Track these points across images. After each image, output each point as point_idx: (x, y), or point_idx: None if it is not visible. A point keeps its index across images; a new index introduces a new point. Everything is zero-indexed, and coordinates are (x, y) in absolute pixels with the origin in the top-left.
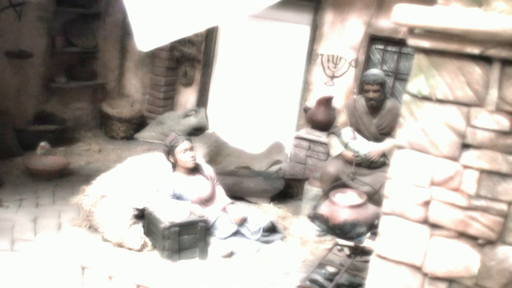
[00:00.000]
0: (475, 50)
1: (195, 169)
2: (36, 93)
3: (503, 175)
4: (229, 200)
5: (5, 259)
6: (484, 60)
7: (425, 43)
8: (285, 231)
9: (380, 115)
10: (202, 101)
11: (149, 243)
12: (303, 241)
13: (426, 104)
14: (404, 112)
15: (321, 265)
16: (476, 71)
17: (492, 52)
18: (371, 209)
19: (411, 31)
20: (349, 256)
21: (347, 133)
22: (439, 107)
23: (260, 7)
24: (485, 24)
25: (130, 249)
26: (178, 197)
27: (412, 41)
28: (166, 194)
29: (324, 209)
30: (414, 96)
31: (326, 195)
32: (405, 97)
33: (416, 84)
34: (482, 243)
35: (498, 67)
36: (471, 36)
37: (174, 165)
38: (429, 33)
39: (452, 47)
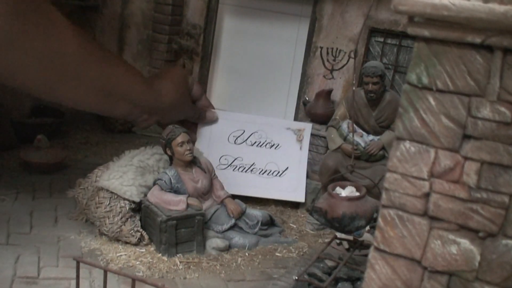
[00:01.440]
0: (477, 39)
1: (192, 162)
2: None
3: (504, 167)
4: (227, 193)
5: (0, 252)
6: (485, 49)
7: (425, 32)
8: (284, 224)
9: (380, 108)
10: None
11: (146, 236)
12: (301, 235)
13: (426, 94)
14: (403, 102)
15: (320, 258)
16: (477, 60)
17: (493, 40)
18: (370, 202)
19: (411, 19)
20: (348, 249)
21: (346, 126)
22: (439, 97)
23: None
24: (486, 12)
25: (126, 242)
26: (176, 190)
27: (412, 30)
28: (163, 187)
29: (322, 202)
30: (414, 85)
31: (325, 188)
32: (405, 87)
33: (416, 73)
34: (483, 236)
35: (499, 56)
36: (472, 24)
37: (172, 158)
38: (430, 22)
39: (453, 35)
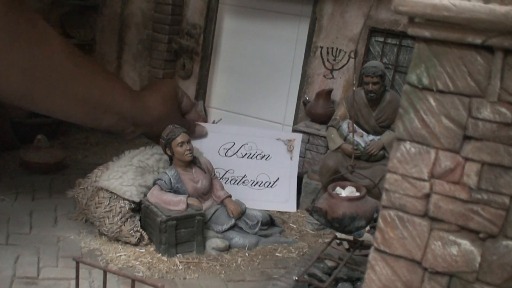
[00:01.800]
0: (477, 40)
1: (192, 162)
2: None
3: (505, 168)
4: (227, 193)
5: (0, 252)
6: (486, 49)
7: (426, 33)
8: (284, 224)
9: (380, 108)
10: (200, 93)
11: (146, 236)
12: (301, 235)
13: (427, 94)
14: (404, 103)
15: (320, 259)
16: (477, 61)
17: (494, 41)
18: (370, 202)
19: (412, 20)
20: (348, 250)
21: (346, 126)
22: (439, 98)
23: None
24: (487, 13)
25: (126, 242)
26: (176, 190)
27: (412, 30)
28: (163, 187)
29: (322, 202)
30: (415, 86)
31: (325, 188)
32: (405, 88)
33: (416, 74)
34: (483, 237)
35: (500, 57)
36: (473, 25)
37: (172, 158)
38: (430, 22)
39: (453, 36)
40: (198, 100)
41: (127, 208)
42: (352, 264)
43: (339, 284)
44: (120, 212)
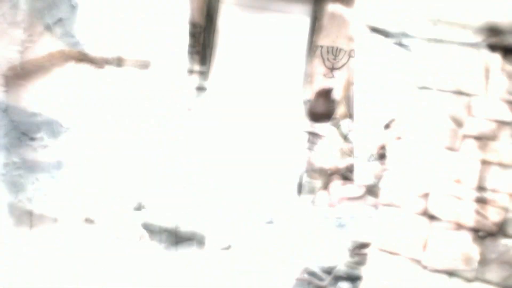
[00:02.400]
0: (477, 38)
1: None
2: None
3: (504, 166)
4: None
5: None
6: (486, 48)
7: (425, 32)
8: None
9: None
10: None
11: (147, 234)
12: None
13: (426, 93)
14: (403, 102)
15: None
16: (478, 59)
17: (494, 40)
18: (369, 201)
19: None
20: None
21: (346, 125)
22: (439, 97)
23: None
24: (487, 13)
25: (127, 240)
26: None
27: (411, 30)
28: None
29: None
30: (414, 85)
31: (324, 187)
32: (405, 87)
33: (416, 73)
34: (482, 235)
35: (500, 56)
36: (473, 24)
37: None
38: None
39: (453, 35)
40: None
41: (128, 205)
42: (351, 263)
43: (339, 283)
44: (121, 209)
